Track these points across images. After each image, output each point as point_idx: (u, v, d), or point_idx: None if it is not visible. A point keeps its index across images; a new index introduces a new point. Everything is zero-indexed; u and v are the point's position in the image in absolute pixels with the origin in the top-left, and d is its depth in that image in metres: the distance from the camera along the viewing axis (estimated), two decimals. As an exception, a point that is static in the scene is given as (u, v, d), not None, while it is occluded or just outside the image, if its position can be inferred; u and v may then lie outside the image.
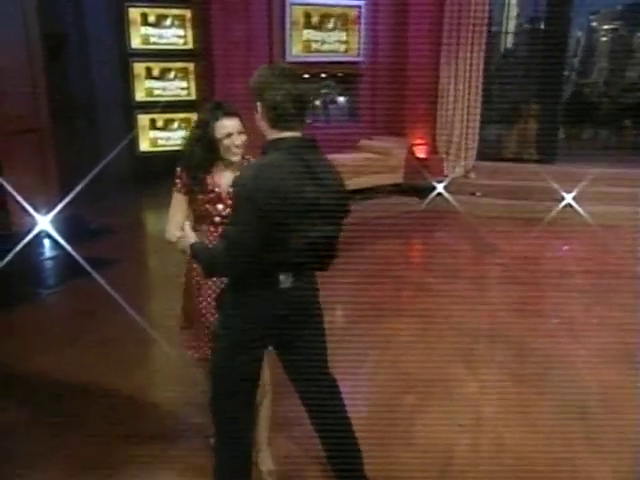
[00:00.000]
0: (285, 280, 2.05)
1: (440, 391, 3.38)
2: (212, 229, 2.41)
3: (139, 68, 8.36)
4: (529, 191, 6.94)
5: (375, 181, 7.26)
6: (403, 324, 4.25)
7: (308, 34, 7.02)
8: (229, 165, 2.39)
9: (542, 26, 8.30)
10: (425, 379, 3.41)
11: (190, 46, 8.48)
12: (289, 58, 6.95)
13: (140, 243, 6.64)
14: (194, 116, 8.70)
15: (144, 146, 8.64)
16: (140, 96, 8.46)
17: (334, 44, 7.22)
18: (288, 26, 6.85)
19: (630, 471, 2.76)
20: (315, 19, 7.03)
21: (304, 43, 7.03)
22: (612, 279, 5.12)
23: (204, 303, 2.45)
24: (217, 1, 6.02)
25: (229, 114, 2.34)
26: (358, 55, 7.39)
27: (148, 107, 8.52)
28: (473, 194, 7.25)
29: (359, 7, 7.25)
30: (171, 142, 8.73)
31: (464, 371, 3.60)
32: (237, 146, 2.35)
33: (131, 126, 8.50)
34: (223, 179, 2.39)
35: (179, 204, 2.43)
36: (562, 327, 4.25)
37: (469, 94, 7.53)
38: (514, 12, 9.38)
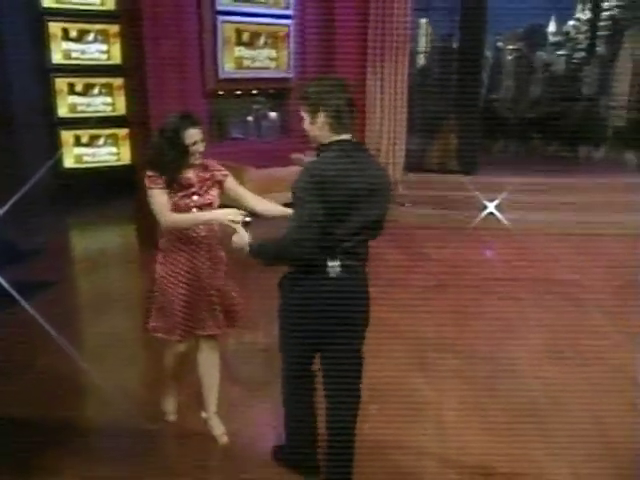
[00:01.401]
0: (333, 269, 2.30)
1: (401, 400, 3.39)
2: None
3: (61, 83, 7.91)
4: (454, 200, 7.15)
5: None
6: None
7: (240, 51, 6.91)
8: (192, 166, 2.76)
9: (455, 45, 8.62)
10: (384, 389, 3.36)
11: (114, 61, 8.14)
12: (221, 75, 6.81)
13: (73, 263, 6.29)
14: (122, 132, 8.38)
15: (69, 162, 8.18)
16: (63, 112, 8.01)
17: (265, 61, 7.15)
18: (220, 43, 6.70)
19: (581, 461, 2.88)
20: (246, 36, 6.93)
21: (236, 60, 6.91)
22: (538, 283, 5.35)
23: (175, 294, 2.78)
24: (148, 18, 5.80)
25: (195, 124, 2.71)
26: (288, 71, 7.35)
27: (72, 123, 8.11)
28: (402, 204, 7.38)
29: (287, 25, 7.22)
30: (97, 159, 8.33)
31: (421, 380, 3.62)
32: (200, 152, 2.73)
33: (54, 143, 8.04)
34: (192, 176, 2.76)
35: (162, 195, 2.70)
36: (502, 329, 4.38)
37: (395, 108, 7.69)
38: (427, 31, 9.69)
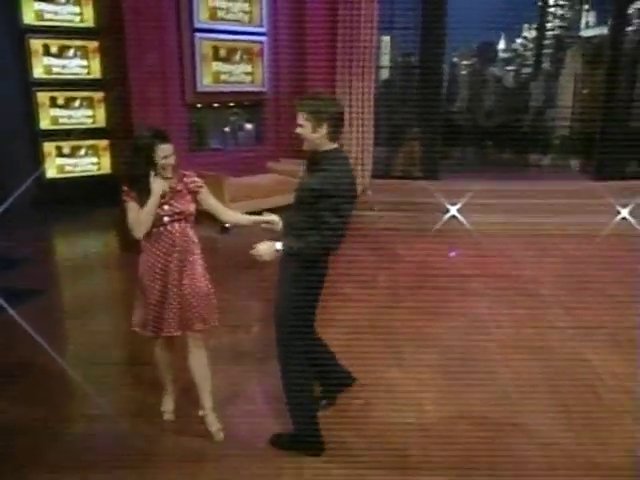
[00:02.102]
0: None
1: (383, 395, 3.41)
2: (162, 229, 2.82)
3: (43, 97, 7.76)
4: (419, 204, 7.25)
5: (285, 200, 7.21)
6: (333, 334, 4.26)
7: (217, 66, 6.91)
8: (165, 178, 2.79)
9: (415, 61, 8.75)
10: (366, 384, 3.41)
11: (94, 76, 8.05)
12: (200, 88, 6.80)
13: (59, 271, 6.15)
14: (102, 143, 8.25)
15: (51, 173, 8.00)
16: (45, 124, 7.84)
17: (241, 75, 7.16)
18: (198, 59, 6.67)
19: (550, 443, 2.98)
20: (223, 52, 6.92)
21: (213, 74, 6.90)
22: (499, 280, 5.48)
23: (149, 291, 2.84)
24: (131, 34, 5.76)
25: (165, 140, 2.75)
26: (263, 85, 7.37)
27: (54, 135, 7.94)
28: (372, 209, 7.46)
29: (261, 42, 7.24)
30: (79, 168, 8.17)
31: (400, 374, 3.66)
32: (171, 165, 2.77)
33: (36, 154, 7.86)
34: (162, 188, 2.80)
35: (135, 209, 2.76)
36: (470, 324, 4.47)
37: (362, 119, 7.77)
38: (389, 48, 9.80)
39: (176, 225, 2.83)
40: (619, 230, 6.72)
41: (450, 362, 3.81)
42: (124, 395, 3.49)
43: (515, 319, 4.52)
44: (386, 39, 9.64)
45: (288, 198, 7.85)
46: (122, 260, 6.25)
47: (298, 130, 2.63)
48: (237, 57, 7.04)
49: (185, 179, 2.86)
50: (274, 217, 2.91)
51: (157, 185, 2.76)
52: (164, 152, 2.73)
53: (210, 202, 2.97)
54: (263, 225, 2.94)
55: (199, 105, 6.97)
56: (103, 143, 8.28)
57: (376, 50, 7.69)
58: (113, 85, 7.10)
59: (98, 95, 8.11)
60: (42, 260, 6.09)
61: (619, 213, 6.89)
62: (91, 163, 8.30)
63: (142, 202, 2.75)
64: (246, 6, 6.96)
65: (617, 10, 7.78)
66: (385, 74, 9.85)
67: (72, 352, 4.08)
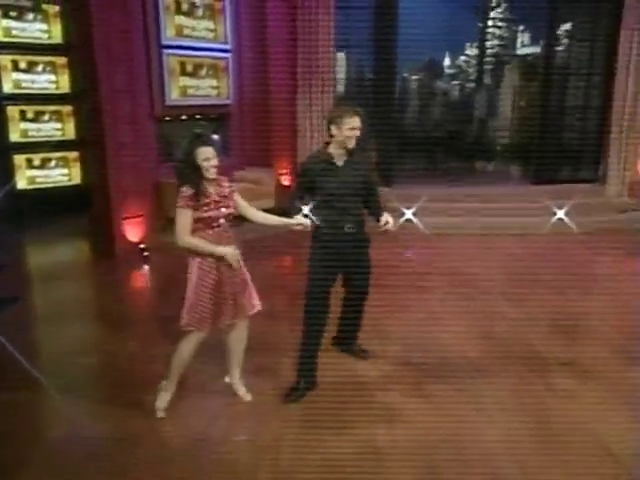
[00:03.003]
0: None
1: (357, 394, 3.37)
2: (210, 232, 2.90)
3: (12, 111, 7.51)
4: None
5: (254, 206, 7.17)
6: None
7: (184, 81, 6.83)
8: (211, 181, 2.87)
9: (369, 75, 8.87)
10: (337, 382, 3.40)
11: (63, 90, 7.86)
12: (168, 102, 6.71)
13: (34, 278, 5.94)
14: (72, 154, 8.03)
15: (22, 184, 7.72)
16: (15, 137, 7.58)
17: (207, 89, 7.10)
18: (166, 74, 6.57)
19: (507, 427, 3.05)
20: (189, 68, 6.85)
21: (181, 89, 6.82)
22: (453, 277, 5.59)
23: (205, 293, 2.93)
24: (100, 50, 5.63)
25: (205, 143, 2.84)
26: (228, 98, 7.32)
27: (24, 148, 7.68)
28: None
29: (226, 58, 7.19)
30: (50, 179, 7.93)
31: (368, 365, 3.67)
32: (213, 166, 2.84)
33: (6, 166, 7.58)
34: (212, 191, 2.89)
35: (187, 216, 2.83)
36: (429, 317, 4.54)
37: (322, 130, 7.80)
38: (344, 63, 9.89)
39: (226, 225, 2.97)
40: (556, 229, 7.00)
41: (410, 354, 3.85)
42: (102, 398, 3.42)
43: (466, 312, 4.62)
44: (341, 55, 9.73)
45: (254, 205, 7.88)
46: (93, 267, 6.11)
47: (358, 131, 3.15)
48: (203, 72, 6.98)
49: (224, 183, 2.97)
50: (305, 220, 3.09)
51: (224, 250, 2.89)
52: (204, 154, 2.80)
53: (241, 204, 3.07)
54: (295, 227, 3.11)
55: (167, 118, 6.86)
56: (73, 155, 8.07)
57: (334, 65, 7.75)
58: (83, 99, 6.91)
59: (67, 109, 7.92)
60: (16, 268, 5.87)
61: (555, 214, 7.17)
62: (61, 174, 8.07)
63: (196, 205, 2.83)
64: (211, 24, 6.91)
65: (548, 31, 8.10)
66: (341, 88, 9.93)
67: (48, 357, 3.96)
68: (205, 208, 2.86)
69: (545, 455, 2.82)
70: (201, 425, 3.07)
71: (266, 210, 7.38)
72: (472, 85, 10.21)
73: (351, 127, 3.11)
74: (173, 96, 6.72)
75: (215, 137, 7.60)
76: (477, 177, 9.00)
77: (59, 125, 7.92)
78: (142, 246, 6.18)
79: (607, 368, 3.61)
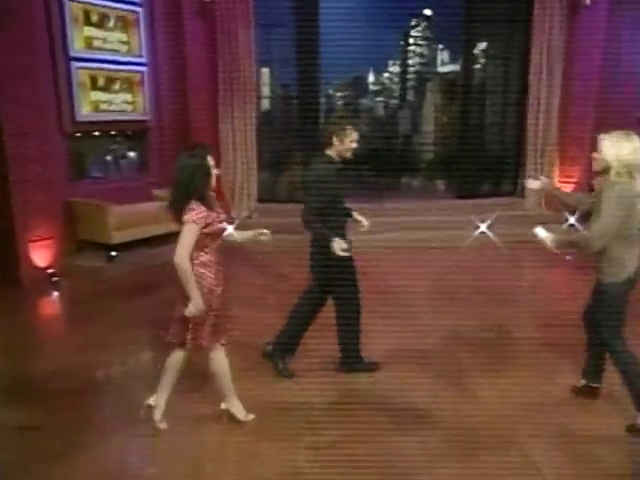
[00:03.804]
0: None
1: (277, 413, 3.42)
2: (214, 246, 3.01)
3: None
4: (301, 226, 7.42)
5: (173, 227, 7.07)
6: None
7: (95, 95, 6.66)
8: (212, 190, 3.05)
9: (293, 92, 9.07)
10: (274, 401, 3.47)
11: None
12: (79, 118, 6.51)
13: None
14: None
15: None
16: None
17: (121, 104, 6.96)
18: (75, 88, 6.42)
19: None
20: (101, 81, 6.70)
21: (92, 104, 6.64)
22: (382, 291, 5.69)
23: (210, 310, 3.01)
24: (3, 63, 5.45)
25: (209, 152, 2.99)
26: (145, 114, 7.23)
27: None
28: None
29: (142, 72, 7.12)
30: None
31: (286, 392, 3.66)
32: (217, 175, 3.02)
33: None
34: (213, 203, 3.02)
35: (194, 233, 2.86)
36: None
37: (246, 146, 7.89)
38: (270, 80, 10.05)
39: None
40: (479, 242, 7.40)
41: (339, 373, 3.92)
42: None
43: (394, 327, 4.64)
44: (265, 71, 9.89)
45: (173, 225, 7.76)
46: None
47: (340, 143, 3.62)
48: (117, 86, 6.84)
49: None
50: (265, 231, 3.33)
51: (197, 299, 2.90)
52: (211, 161, 2.95)
53: None
54: (260, 238, 3.33)
55: (78, 134, 6.69)
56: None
57: (255, 80, 7.88)
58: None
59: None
60: None
61: (478, 227, 7.61)
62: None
63: (207, 220, 2.88)
64: (124, 36, 6.80)
65: (465, 50, 8.66)
66: (266, 104, 10.08)
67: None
68: (214, 222, 2.94)
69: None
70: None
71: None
72: (396, 102, 10.65)
73: (352, 139, 3.55)
74: (84, 111, 6.54)
75: (132, 154, 7.51)
76: (402, 192, 9.33)
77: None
78: (51, 271, 5.97)
79: (527, 378, 3.77)
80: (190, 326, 2.99)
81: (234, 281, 6.20)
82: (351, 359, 3.93)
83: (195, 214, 2.83)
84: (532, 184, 3.49)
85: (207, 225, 2.88)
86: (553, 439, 3.13)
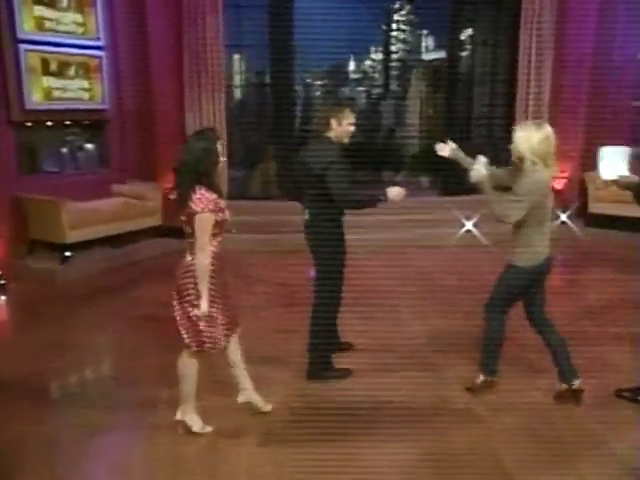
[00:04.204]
0: None
1: (235, 416, 3.30)
2: (220, 239, 2.97)
3: None
4: (277, 224, 7.11)
5: (135, 225, 6.74)
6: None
7: (48, 81, 6.21)
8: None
9: (267, 80, 8.71)
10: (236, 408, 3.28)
11: None
12: (28, 105, 6.05)
13: None
14: None
15: None
16: None
17: (77, 92, 6.50)
18: (24, 73, 5.98)
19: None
20: (54, 66, 6.25)
21: (44, 90, 6.18)
22: (361, 293, 5.45)
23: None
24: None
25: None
26: (103, 102, 6.80)
27: None
28: (229, 231, 7.17)
29: (99, 57, 6.69)
30: None
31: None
32: (222, 161, 2.96)
33: None
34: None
35: (210, 223, 2.81)
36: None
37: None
38: (242, 67, 9.69)
39: None
40: (465, 241, 7.14)
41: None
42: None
43: (375, 329, 4.53)
44: (237, 57, 9.52)
45: (137, 222, 7.43)
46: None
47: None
48: (72, 72, 6.38)
49: None
50: None
51: (205, 297, 2.88)
52: (220, 147, 2.90)
53: None
54: None
55: (29, 124, 6.25)
56: None
57: (224, 68, 7.49)
58: None
59: None
60: None
61: (464, 226, 7.33)
62: None
63: (216, 208, 2.83)
64: (79, 17, 6.34)
65: (450, 35, 8.35)
66: (238, 93, 9.70)
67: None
68: (224, 209, 2.90)
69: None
70: None
71: (153, 229, 7.07)
72: (378, 92, 10.32)
73: (349, 122, 3.54)
74: (34, 98, 6.09)
75: (89, 147, 7.09)
76: (385, 187, 9.00)
77: None
78: (-3, 273, 5.59)
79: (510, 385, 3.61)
80: (203, 326, 2.91)
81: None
82: (318, 366, 3.75)
83: (206, 202, 2.76)
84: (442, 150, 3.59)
85: (218, 211, 2.84)
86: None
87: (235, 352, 3.14)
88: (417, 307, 5.09)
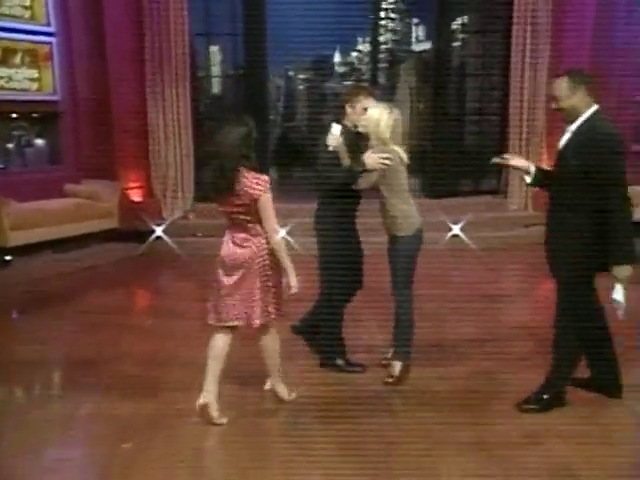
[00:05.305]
0: None
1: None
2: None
3: None
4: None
5: (88, 228, 6.47)
6: (127, 368, 3.87)
7: (-8, 70, 6.01)
8: None
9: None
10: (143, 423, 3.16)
11: None
12: (-32, 95, 5.86)
13: None
14: None
15: None
16: None
17: (24, 81, 6.26)
18: (-37, 60, 5.78)
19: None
20: (-3, 53, 6.05)
21: (-13, 79, 5.99)
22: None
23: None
24: None
25: None
26: (54, 93, 6.57)
27: None
28: (194, 235, 6.98)
29: (49, 43, 6.46)
30: None
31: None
32: None
33: None
34: None
35: (272, 204, 2.97)
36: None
37: (180, 135, 7.25)
38: (218, 58, 9.48)
39: None
40: (454, 245, 6.89)
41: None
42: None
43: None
44: (214, 49, 9.32)
45: (90, 225, 7.15)
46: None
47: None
48: (17, 59, 6.16)
49: None
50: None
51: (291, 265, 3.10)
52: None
53: None
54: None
55: (-29, 116, 6.05)
56: None
57: (190, 58, 7.25)
58: None
59: None
60: None
61: (451, 230, 7.08)
62: None
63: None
64: (25, 0, 6.19)
65: (440, 25, 8.10)
66: (215, 88, 9.51)
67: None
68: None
69: None
70: None
71: (110, 232, 6.84)
72: (366, 85, 10.08)
73: (364, 105, 3.43)
74: (-24, 88, 5.92)
75: (39, 142, 6.86)
76: (370, 190, 8.76)
77: None
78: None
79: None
80: (274, 300, 3.07)
81: (165, 292, 5.84)
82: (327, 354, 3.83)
83: (264, 183, 2.89)
84: None
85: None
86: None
87: (272, 338, 3.26)
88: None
